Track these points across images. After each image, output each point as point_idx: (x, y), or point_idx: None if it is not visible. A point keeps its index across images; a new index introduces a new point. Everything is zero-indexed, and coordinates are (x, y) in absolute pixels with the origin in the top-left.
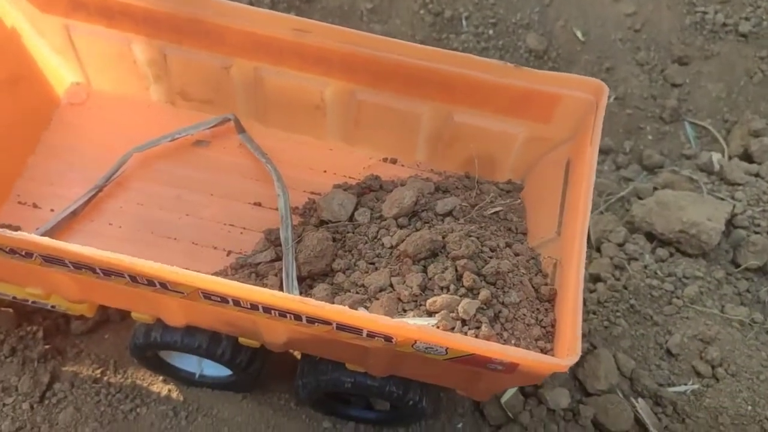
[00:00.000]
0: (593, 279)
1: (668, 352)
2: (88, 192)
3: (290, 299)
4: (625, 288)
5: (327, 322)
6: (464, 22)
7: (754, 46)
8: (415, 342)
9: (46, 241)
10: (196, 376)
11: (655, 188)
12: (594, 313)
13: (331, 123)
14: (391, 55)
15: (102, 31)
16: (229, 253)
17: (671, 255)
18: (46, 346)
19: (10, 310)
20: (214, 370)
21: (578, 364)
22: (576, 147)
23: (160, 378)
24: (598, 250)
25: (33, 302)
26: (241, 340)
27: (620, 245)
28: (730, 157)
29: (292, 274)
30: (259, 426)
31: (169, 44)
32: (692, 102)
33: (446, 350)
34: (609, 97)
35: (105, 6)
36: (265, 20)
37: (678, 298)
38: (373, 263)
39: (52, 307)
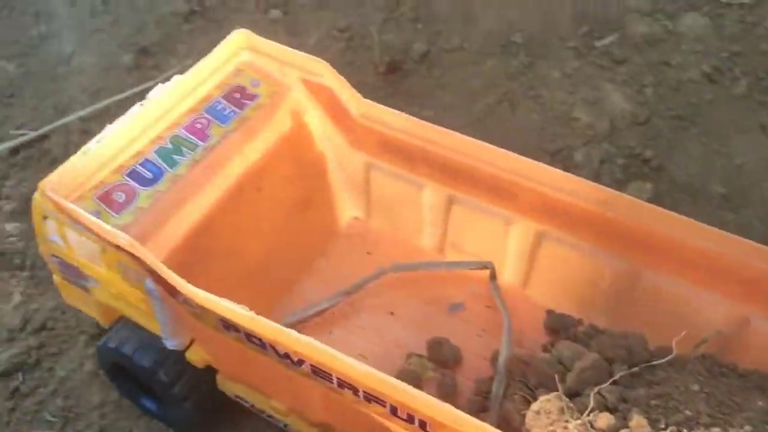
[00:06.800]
0: None
1: None
2: (335, 296)
3: None
4: None
5: None
6: None
7: None
8: None
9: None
10: None
11: None
12: None
13: None
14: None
15: (399, 173)
16: None
17: None
18: None
19: None
20: None
21: None
22: None
23: None
24: None
25: (269, 416)
26: None
27: None
28: None
29: None
30: None
31: (457, 193)
32: None
33: None
34: None
35: (410, 150)
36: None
37: None
38: None
39: (285, 426)
